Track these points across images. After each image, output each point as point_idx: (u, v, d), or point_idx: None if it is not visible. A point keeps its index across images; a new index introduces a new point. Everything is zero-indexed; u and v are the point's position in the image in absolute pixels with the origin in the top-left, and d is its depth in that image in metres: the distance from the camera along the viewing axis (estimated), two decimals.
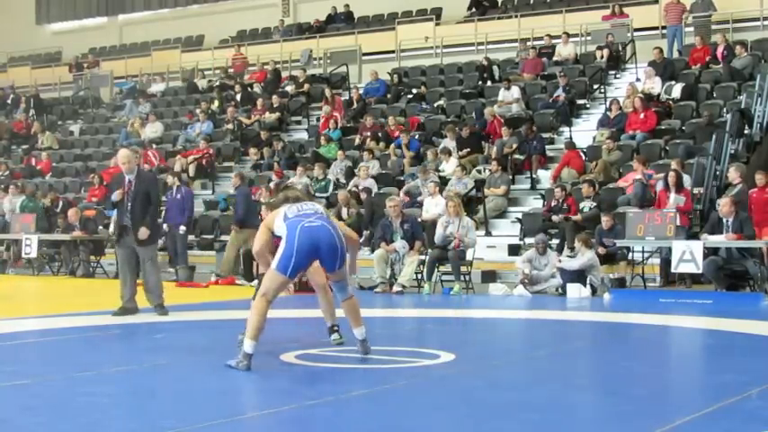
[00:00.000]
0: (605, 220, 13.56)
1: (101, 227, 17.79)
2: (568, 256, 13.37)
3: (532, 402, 5.56)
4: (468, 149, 18.07)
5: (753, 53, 19.13)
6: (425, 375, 6.51)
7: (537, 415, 5.21)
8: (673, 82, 18.65)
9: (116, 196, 10.02)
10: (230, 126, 22.65)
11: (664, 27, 21.83)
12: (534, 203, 16.53)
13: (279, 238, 6.70)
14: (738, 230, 12.24)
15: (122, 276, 10.27)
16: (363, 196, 16.98)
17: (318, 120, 21.99)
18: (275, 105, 22.98)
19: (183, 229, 15.79)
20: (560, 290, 12.91)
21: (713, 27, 21.16)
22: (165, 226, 15.74)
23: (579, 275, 12.72)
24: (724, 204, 12.50)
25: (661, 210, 13.21)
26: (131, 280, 10.25)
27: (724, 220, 12.43)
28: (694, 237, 12.96)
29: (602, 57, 21.08)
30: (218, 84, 25.77)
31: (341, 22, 27.45)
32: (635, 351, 8.21)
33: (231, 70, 26.88)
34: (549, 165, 17.64)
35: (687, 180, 14.34)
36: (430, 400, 5.65)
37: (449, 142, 18.32)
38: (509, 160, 17.41)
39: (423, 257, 13.94)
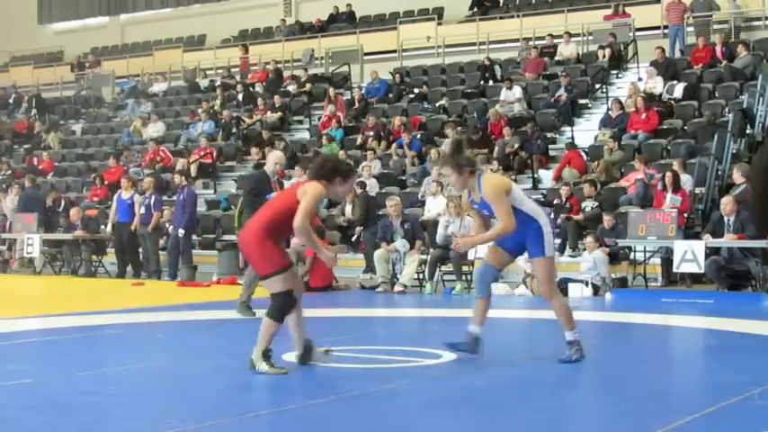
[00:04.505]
0: (607, 220, 13.59)
1: (102, 226, 17.79)
2: (570, 256, 13.37)
3: (532, 402, 5.57)
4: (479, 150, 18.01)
5: (755, 53, 19.11)
6: (427, 375, 6.51)
7: (537, 415, 5.22)
8: (674, 81, 18.65)
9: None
10: (225, 128, 22.61)
11: (665, 27, 21.84)
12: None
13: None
14: (740, 230, 12.24)
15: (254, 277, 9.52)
16: (358, 191, 16.80)
17: (320, 119, 21.99)
18: (277, 105, 22.99)
19: (181, 231, 15.47)
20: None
21: (715, 27, 21.16)
22: (170, 227, 15.66)
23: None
24: (727, 203, 12.50)
25: (663, 210, 13.21)
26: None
27: (725, 220, 12.43)
28: (695, 237, 12.96)
29: (603, 56, 21.08)
30: (219, 84, 25.78)
31: (343, 21, 27.47)
32: (635, 351, 8.21)
33: (236, 69, 26.89)
34: (551, 164, 17.64)
35: (688, 180, 14.35)
36: (431, 400, 5.65)
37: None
38: (511, 160, 17.40)
39: (423, 257, 13.95)
